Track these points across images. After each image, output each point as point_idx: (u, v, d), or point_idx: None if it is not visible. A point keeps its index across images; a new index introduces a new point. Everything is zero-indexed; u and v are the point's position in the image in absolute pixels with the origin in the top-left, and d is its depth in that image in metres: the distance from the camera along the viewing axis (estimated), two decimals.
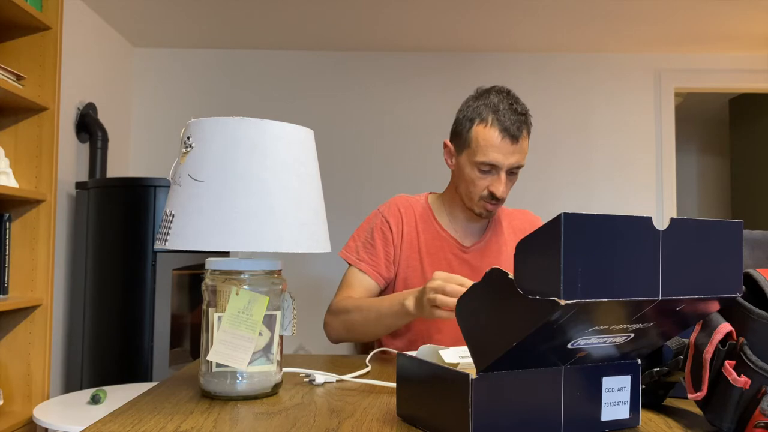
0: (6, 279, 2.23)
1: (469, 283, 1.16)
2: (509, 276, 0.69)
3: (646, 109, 3.66)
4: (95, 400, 2.04)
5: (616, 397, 0.80)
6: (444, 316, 1.18)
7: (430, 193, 1.68)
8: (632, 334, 0.74)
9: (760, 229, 1.53)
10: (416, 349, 1.13)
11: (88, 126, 2.98)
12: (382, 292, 1.58)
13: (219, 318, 0.96)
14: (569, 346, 0.72)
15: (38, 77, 2.30)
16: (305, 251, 0.96)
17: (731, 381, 0.74)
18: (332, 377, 1.10)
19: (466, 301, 0.76)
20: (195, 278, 2.97)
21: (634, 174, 3.64)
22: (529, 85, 3.63)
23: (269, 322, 0.99)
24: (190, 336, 2.93)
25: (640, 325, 0.72)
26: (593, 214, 0.63)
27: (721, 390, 0.76)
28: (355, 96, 3.65)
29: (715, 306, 0.74)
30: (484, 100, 1.47)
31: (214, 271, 0.98)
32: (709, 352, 0.76)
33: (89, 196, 2.75)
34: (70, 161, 2.93)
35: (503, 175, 1.46)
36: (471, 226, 1.60)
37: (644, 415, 0.88)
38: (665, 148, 3.64)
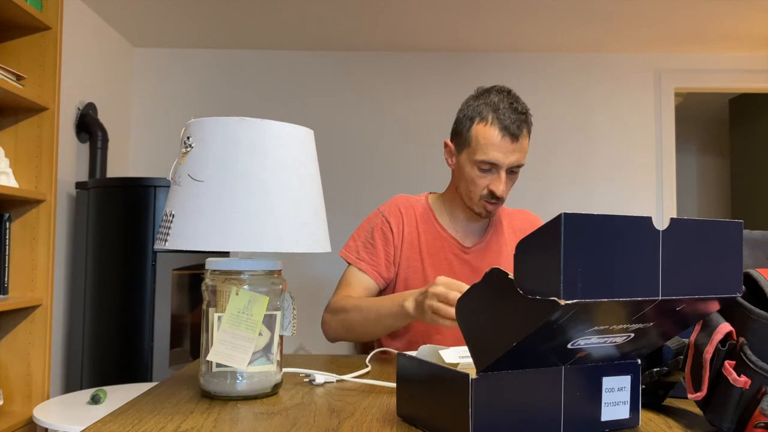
0: (6, 279, 2.23)
1: None
2: (509, 276, 0.69)
3: (646, 109, 3.66)
4: (95, 400, 2.04)
5: (616, 397, 0.80)
6: (444, 324, 1.17)
7: (431, 193, 1.68)
8: (632, 334, 0.74)
9: (760, 229, 1.53)
10: (416, 350, 1.13)
11: (88, 126, 2.98)
12: (381, 292, 1.57)
13: (219, 318, 0.96)
14: (569, 346, 0.72)
15: (38, 77, 2.30)
16: (305, 251, 0.96)
17: (731, 381, 0.74)
18: (332, 377, 1.10)
19: (466, 301, 0.76)
20: (195, 278, 2.97)
21: (634, 174, 3.64)
22: (529, 85, 3.63)
23: (269, 322, 0.99)
24: (190, 336, 2.93)
25: (640, 325, 0.72)
26: (593, 214, 0.63)
27: (721, 390, 0.76)
28: (355, 96, 3.65)
29: (715, 306, 0.74)
30: (484, 99, 1.47)
31: (214, 271, 0.98)
32: (709, 352, 0.76)
33: (89, 196, 2.75)
34: (70, 161, 2.93)
35: (503, 174, 1.45)
36: (471, 226, 1.60)
37: (644, 415, 0.88)
38: (665, 148, 3.64)
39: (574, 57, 3.66)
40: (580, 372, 0.77)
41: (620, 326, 0.71)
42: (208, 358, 0.95)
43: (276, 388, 1.00)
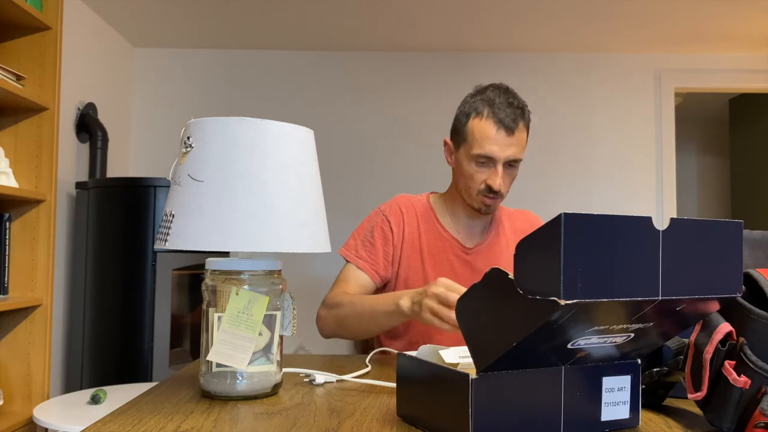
0: (6, 279, 2.23)
1: None
2: (509, 276, 0.69)
3: (646, 109, 3.66)
4: (95, 400, 2.04)
5: (616, 397, 0.80)
6: (441, 326, 1.16)
7: (432, 192, 1.68)
8: (632, 334, 0.74)
9: (760, 229, 1.53)
10: (416, 350, 1.12)
11: (88, 126, 2.98)
12: (378, 291, 1.57)
13: (219, 318, 0.96)
14: (569, 346, 0.72)
15: (38, 77, 2.30)
16: (305, 251, 0.96)
17: (731, 381, 0.74)
18: (332, 377, 1.10)
19: (466, 301, 0.76)
20: (195, 278, 2.97)
21: (634, 174, 3.64)
22: (529, 85, 3.63)
23: (269, 322, 0.99)
24: (190, 336, 2.93)
25: (640, 325, 0.72)
26: (593, 214, 0.63)
27: (721, 390, 0.76)
28: (355, 96, 3.65)
29: (715, 306, 0.74)
30: (481, 95, 1.49)
31: (214, 271, 0.98)
32: (709, 352, 0.76)
33: (89, 196, 2.75)
34: (70, 161, 2.93)
35: (500, 168, 1.46)
36: (473, 226, 1.60)
37: (644, 415, 0.88)
38: (665, 148, 3.64)
39: (574, 57, 3.66)
40: (580, 372, 0.77)
41: (620, 326, 0.71)
42: (208, 358, 0.95)
43: (276, 388, 1.00)
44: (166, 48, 3.64)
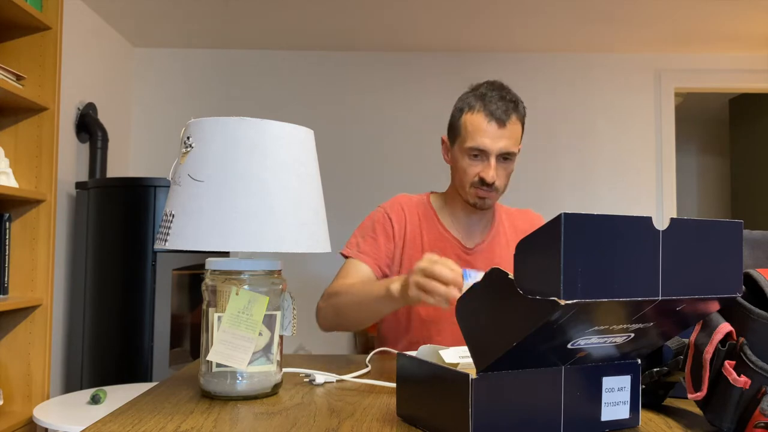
0: (6, 279, 2.23)
1: (458, 268, 1.12)
2: (509, 276, 0.69)
3: (646, 109, 3.66)
4: (95, 400, 2.04)
5: (616, 397, 0.80)
6: (428, 300, 1.11)
7: (432, 192, 1.68)
8: (632, 334, 0.74)
9: (760, 229, 1.53)
10: (416, 350, 1.12)
11: (88, 126, 2.98)
12: None
13: (219, 318, 0.96)
14: (569, 346, 0.72)
15: (38, 77, 2.30)
16: (305, 251, 0.96)
17: (731, 381, 0.74)
18: (332, 377, 1.10)
19: (466, 301, 0.76)
20: (195, 278, 2.97)
21: (634, 174, 3.64)
22: (529, 86, 3.63)
23: (269, 322, 0.99)
24: (190, 336, 2.93)
25: (640, 325, 0.72)
26: (593, 214, 0.63)
27: (721, 390, 0.76)
28: (355, 96, 3.65)
29: (715, 306, 0.74)
30: (474, 91, 1.51)
31: (214, 271, 0.98)
32: (709, 352, 0.76)
33: (89, 196, 2.75)
34: (70, 161, 2.93)
35: (493, 161, 1.46)
36: (472, 225, 1.60)
37: (644, 415, 0.88)
38: (665, 148, 3.64)
39: (574, 57, 3.66)
40: (580, 372, 0.77)
41: (620, 326, 0.71)
42: (208, 358, 0.95)
43: (276, 388, 1.00)
44: (165, 48, 3.64)
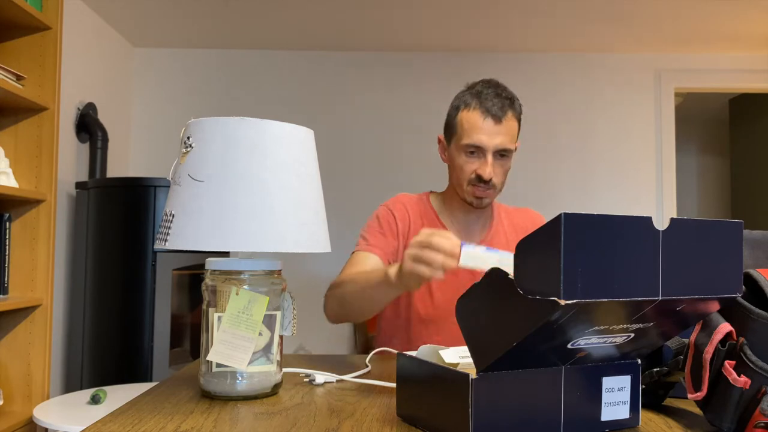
0: (6, 279, 2.23)
1: (455, 238, 1.09)
2: (509, 276, 0.69)
3: (646, 108, 3.66)
4: (95, 400, 2.04)
5: (616, 397, 0.80)
6: (423, 273, 1.08)
7: (431, 192, 1.68)
8: (632, 334, 0.74)
9: (760, 229, 1.53)
10: (416, 350, 1.12)
11: (88, 126, 2.98)
12: None
13: (219, 318, 0.96)
14: (569, 346, 0.72)
15: (38, 77, 2.30)
16: (305, 251, 0.96)
17: (731, 381, 0.74)
18: (332, 377, 1.10)
19: (466, 301, 0.76)
20: (195, 278, 2.97)
21: (634, 174, 3.64)
22: (530, 86, 3.63)
23: (269, 322, 0.99)
24: (190, 336, 2.93)
25: (640, 325, 0.72)
26: (593, 214, 0.63)
27: (721, 390, 0.76)
28: (355, 96, 3.65)
29: (715, 306, 0.74)
30: (470, 89, 1.51)
31: (214, 271, 0.98)
32: (709, 352, 0.76)
33: (89, 196, 2.75)
34: (70, 161, 2.93)
35: (489, 158, 1.46)
36: (471, 224, 1.60)
37: (644, 415, 0.88)
38: (665, 148, 3.64)
39: (574, 57, 3.66)
40: (580, 372, 0.77)
41: (620, 326, 0.71)
42: (208, 358, 0.95)
43: (276, 388, 1.00)
44: (165, 48, 3.64)
